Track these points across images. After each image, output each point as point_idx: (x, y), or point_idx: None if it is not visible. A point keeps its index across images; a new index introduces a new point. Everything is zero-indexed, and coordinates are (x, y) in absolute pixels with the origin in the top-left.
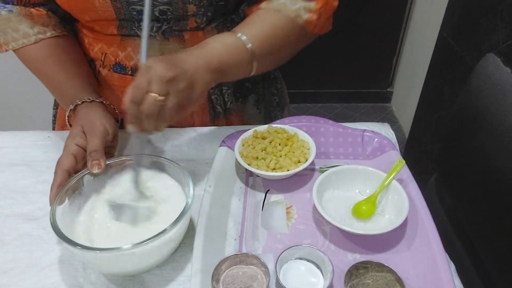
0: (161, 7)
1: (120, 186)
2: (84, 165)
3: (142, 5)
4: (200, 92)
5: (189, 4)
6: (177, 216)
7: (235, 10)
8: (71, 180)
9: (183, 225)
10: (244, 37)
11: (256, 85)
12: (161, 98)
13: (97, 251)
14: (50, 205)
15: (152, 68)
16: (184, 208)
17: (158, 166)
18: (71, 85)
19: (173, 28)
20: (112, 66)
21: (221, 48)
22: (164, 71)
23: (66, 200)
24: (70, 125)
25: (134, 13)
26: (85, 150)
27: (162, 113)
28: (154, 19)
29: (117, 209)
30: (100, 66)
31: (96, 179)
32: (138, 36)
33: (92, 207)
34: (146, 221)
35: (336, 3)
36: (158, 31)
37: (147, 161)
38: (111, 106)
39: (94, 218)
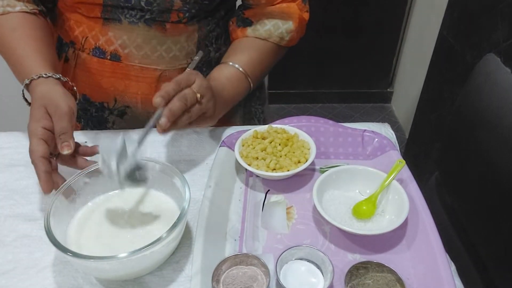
0: None
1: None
2: (54, 147)
3: None
4: (217, 116)
5: None
6: (173, 222)
7: (217, 11)
8: (65, 184)
9: (179, 230)
10: (241, 69)
11: None
12: (199, 95)
13: (91, 260)
14: (45, 193)
15: (198, 74)
16: (181, 213)
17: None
18: (31, 60)
19: (156, 19)
20: (91, 50)
21: (229, 84)
22: (206, 80)
23: (60, 204)
24: (25, 100)
25: (122, 0)
26: (53, 133)
27: (192, 109)
28: (138, 8)
29: (111, 212)
30: (80, 49)
31: (90, 182)
32: (120, 22)
33: (86, 211)
34: (141, 225)
35: (307, 16)
36: (141, 19)
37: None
38: (70, 83)
39: (87, 222)
